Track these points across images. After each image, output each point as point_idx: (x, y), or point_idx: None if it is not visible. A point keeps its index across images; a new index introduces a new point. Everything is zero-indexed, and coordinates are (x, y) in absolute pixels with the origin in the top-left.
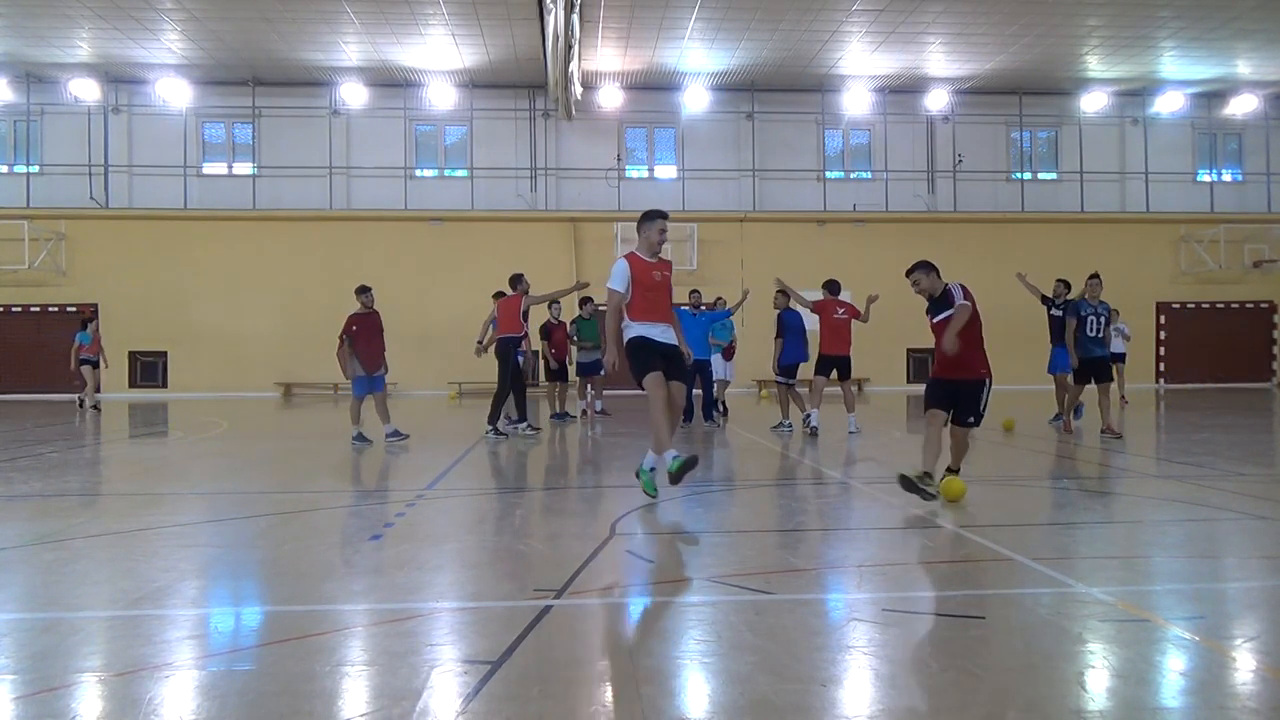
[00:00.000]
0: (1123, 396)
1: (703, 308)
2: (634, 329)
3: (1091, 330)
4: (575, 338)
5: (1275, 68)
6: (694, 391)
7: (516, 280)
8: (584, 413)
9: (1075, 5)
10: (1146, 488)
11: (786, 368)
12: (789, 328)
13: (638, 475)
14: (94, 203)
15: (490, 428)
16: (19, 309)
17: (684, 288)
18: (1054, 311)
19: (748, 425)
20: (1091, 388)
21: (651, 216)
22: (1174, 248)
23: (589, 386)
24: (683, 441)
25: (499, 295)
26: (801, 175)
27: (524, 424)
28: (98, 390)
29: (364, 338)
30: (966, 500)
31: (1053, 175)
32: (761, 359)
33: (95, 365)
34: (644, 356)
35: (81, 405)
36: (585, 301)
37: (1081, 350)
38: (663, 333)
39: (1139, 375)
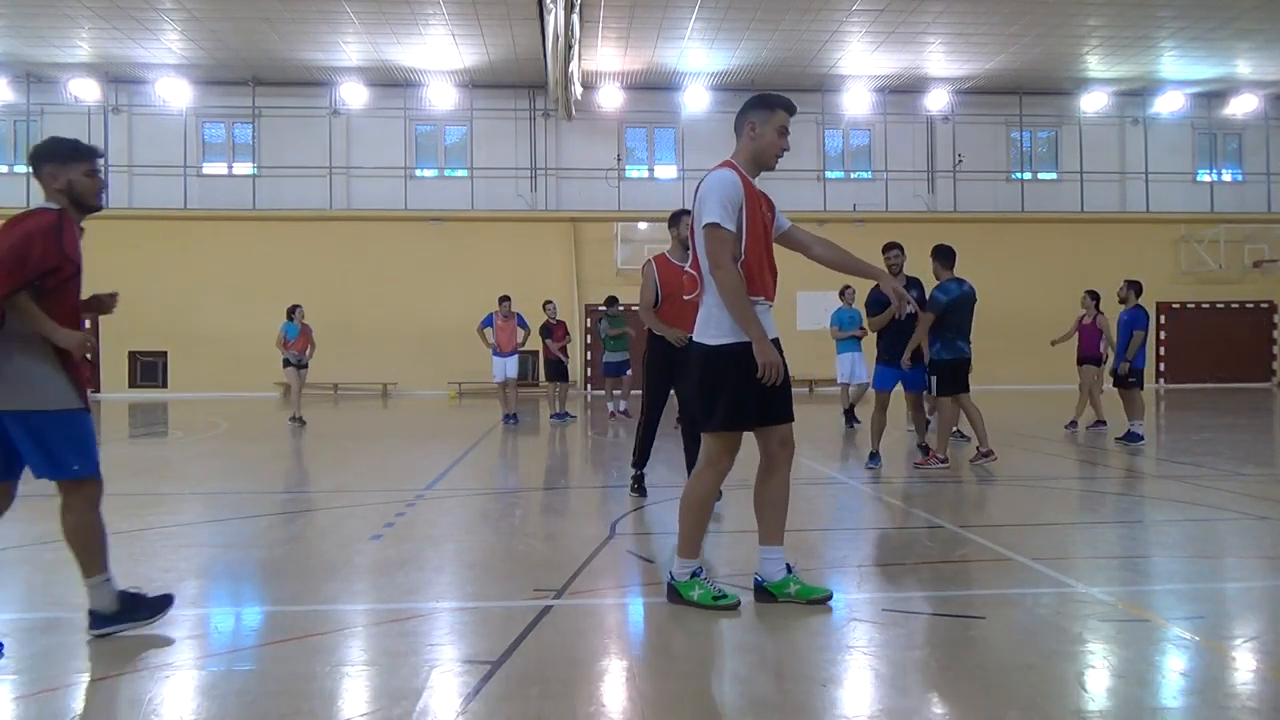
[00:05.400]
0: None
1: None
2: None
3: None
4: (603, 337)
5: (1275, 68)
6: None
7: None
8: (612, 415)
9: (1075, 5)
10: (1146, 488)
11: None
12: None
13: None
14: None
15: (636, 474)
16: None
17: None
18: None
19: None
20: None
21: (771, 105)
22: (1174, 248)
23: (615, 388)
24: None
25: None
26: (801, 175)
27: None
28: (299, 396)
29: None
30: (966, 500)
31: (1053, 175)
32: None
33: (300, 366)
34: (739, 379)
35: (295, 420)
36: (613, 300)
37: (948, 350)
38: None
39: None
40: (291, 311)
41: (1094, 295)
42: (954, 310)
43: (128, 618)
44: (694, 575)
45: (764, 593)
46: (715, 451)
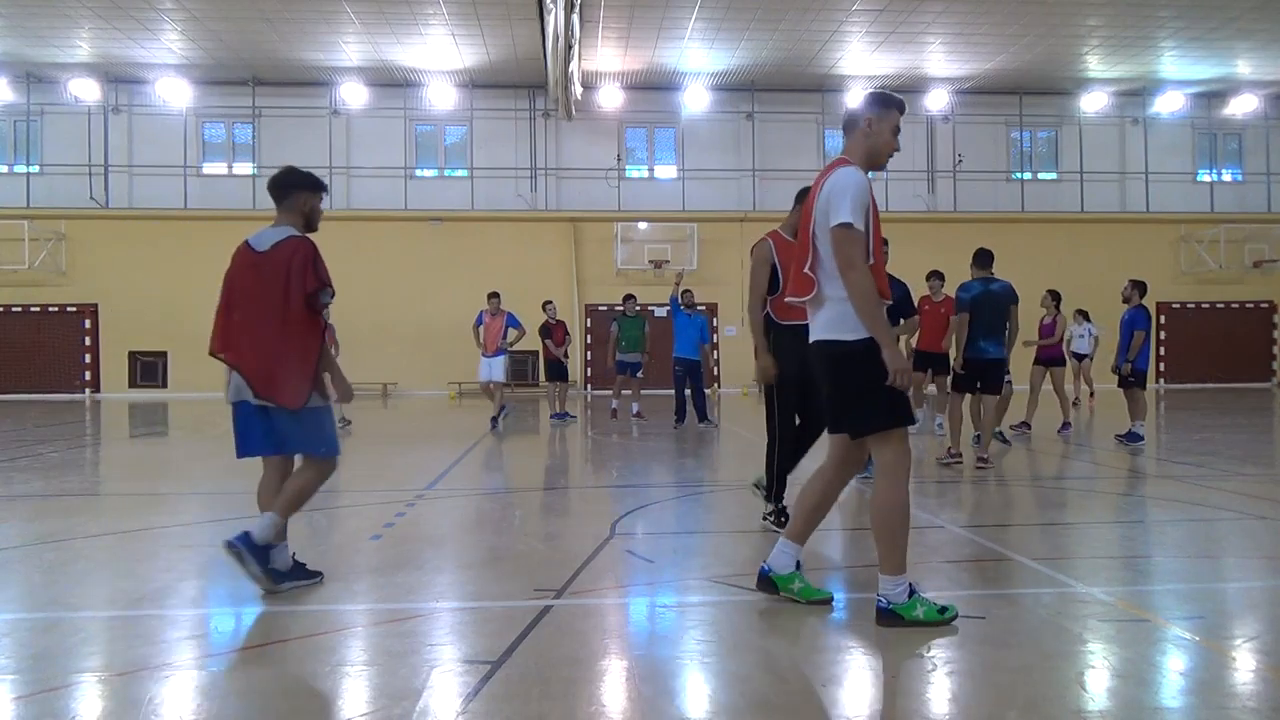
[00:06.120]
0: (1091, 394)
1: (700, 308)
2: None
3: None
4: (618, 339)
5: (1275, 68)
6: (684, 391)
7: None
8: (614, 414)
9: (1075, 5)
10: (1146, 488)
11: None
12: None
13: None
14: (94, 203)
15: (773, 509)
16: (19, 309)
17: (690, 289)
18: None
19: (744, 425)
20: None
21: (888, 103)
22: (1174, 248)
23: (625, 388)
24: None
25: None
26: (801, 175)
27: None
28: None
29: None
30: (966, 500)
31: (1053, 175)
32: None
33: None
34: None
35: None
36: (628, 298)
37: (969, 349)
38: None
39: None
40: None
41: (1055, 295)
42: (974, 309)
43: (255, 561)
44: (912, 594)
45: (768, 582)
46: (892, 453)
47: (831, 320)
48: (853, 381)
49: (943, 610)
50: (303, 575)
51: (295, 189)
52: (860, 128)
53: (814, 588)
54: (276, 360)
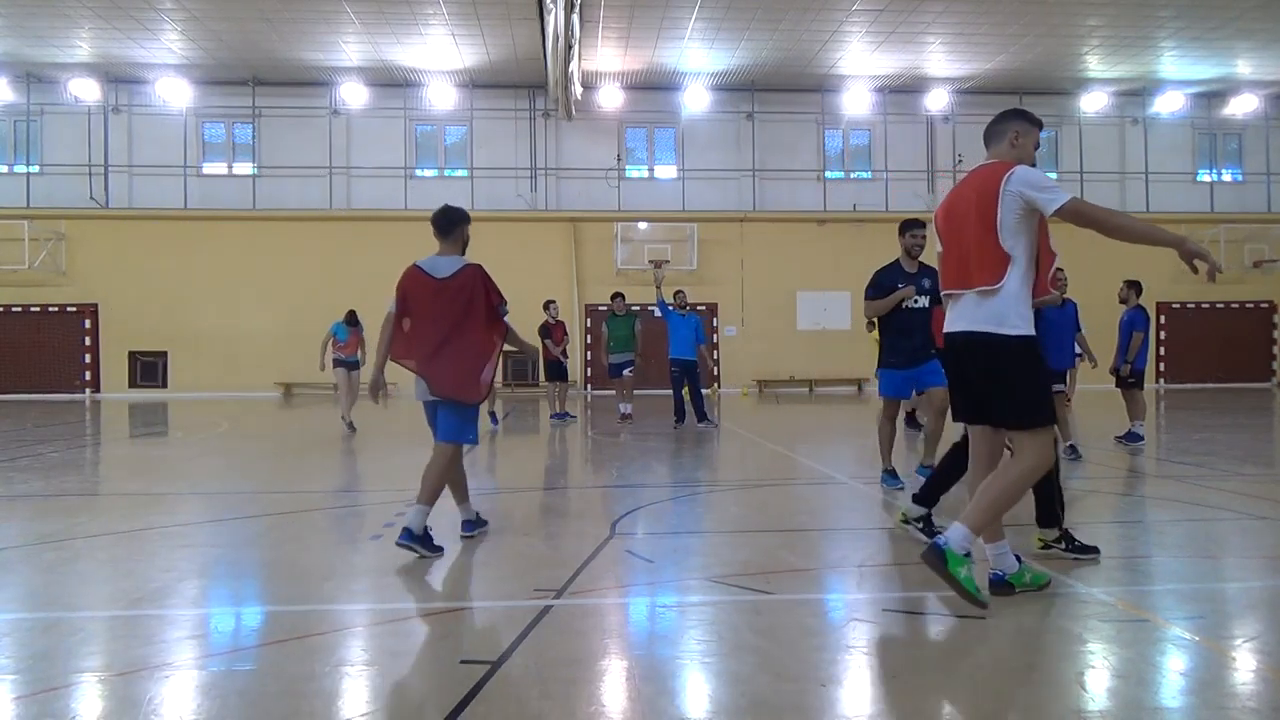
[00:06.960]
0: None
1: (692, 308)
2: (1028, 319)
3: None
4: (607, 340)
5: (1275, 68)
6: (682, 392)
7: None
8: (624, 418)
9: (1075, 5)
10: (1146, 488)
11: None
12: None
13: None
14: (94, 203)
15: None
16: (19, 309)
17: (682, 289)
18: (919, 301)
19: (744, 425)
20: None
21: (1033, 121)
22: None
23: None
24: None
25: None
26: (801, 175)
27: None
28: (353, 401)
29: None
30: (967, 500)
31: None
32: (763, 358)
33: (353, 368)
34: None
35: (346, 423)
36: (616, 296)
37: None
38: None
39: None
40: (353, 315)
41: None
42: None
43: (421, 546)
44: (968, 555)
45: (1006, 586)
46: (1038, 456)
47: (998, 313)
48: (1015, 375)
49: (979, 590)
50: (426, 547)
51: (460, 223)
52: (1008, 137)
53: (1038, 571)
54: (455, 365)
